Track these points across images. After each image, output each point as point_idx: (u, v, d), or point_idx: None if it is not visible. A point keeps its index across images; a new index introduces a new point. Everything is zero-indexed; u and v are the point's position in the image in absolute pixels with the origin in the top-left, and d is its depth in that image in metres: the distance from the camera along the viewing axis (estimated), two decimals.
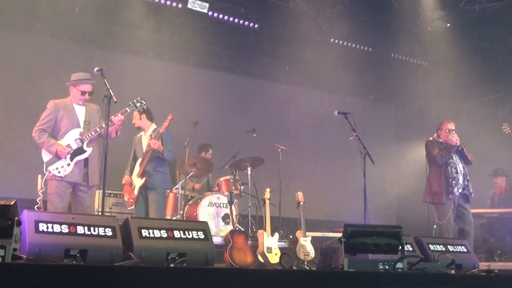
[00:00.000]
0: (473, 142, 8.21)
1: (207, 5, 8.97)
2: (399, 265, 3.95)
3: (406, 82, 11.01)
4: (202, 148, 8.51)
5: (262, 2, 9.40)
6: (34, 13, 8.21)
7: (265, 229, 6.60)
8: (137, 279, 2.84)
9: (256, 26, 9.58)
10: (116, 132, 5.66)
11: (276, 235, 6.65)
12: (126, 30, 8.93)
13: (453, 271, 4.40)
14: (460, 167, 6.64)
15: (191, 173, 7.66)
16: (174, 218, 7.19)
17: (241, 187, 7.74)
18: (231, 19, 9.39)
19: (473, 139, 8.54)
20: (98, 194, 6.56)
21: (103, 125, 5.44)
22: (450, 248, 5.15)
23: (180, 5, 8.83)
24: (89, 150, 5.49)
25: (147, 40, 9.12)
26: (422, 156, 6.95)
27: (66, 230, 3.77)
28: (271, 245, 6.49)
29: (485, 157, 8.70)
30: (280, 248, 6.65)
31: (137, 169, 6.52)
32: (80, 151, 5.46)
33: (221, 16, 9.29)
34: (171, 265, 3.97)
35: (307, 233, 6.64)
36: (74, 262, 3.67)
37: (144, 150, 6.60)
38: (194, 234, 4.32)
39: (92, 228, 3.89)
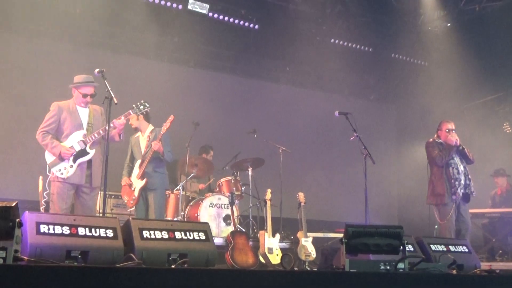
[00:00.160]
0: (474, 142, 8.22)
1: (207, 6, 8.97)
2: (401, 265, 3.95)
3: (406, 82, 11.03)
4: (203, 149, 8.52)
5: (262, 3, 9.41)
6: (36, 15, 8.23)
7: (266, 230, 6.59)
8: (138, 280, 2.84)
9: (256, 27, 9.58)
10: (119, 136, 5.67)
11: (277, 235, 6.65)
12: (127, 32, 8.95)
13: (454, 271, 4.39)
14: (461, 167, 6.62)
15: (192, 174, 7.66)
16: (175, 219, 7.19)
17: (242, 188, 7.73)
18: (231, 20, 9.39)
19: (474, 139, 8.55)
20: (99, 195, 6.56)
21: (107, 128, 5.45)
22: (452, 248, 5.15)
23: (180, 6, 8.83)
24: (92, 152, 5.50)
25: (148, 42, 9.13)
26: (423, 156, 6.94)
27: (67, 232, 3.78)
28: (272, 246, 6.49)
29: (486, 157, 8.70)
30: (281, 249, 6.64)
31: (136, 170, 6.51)
32: (83, 153, 5.47)
33: (221, 17, 9.29)
34: (172, 266, 3.97)
35: (308, 234, 6.64)
36: (75, 263, 3.68)
37: (142, 151, 6.59)
38: (195, 235, 4.32)
39: (93, 230, 3.89)
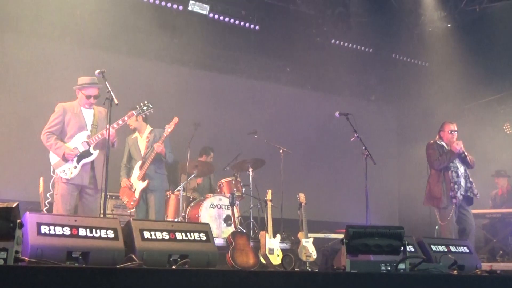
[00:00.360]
0: (475, 143, 8.21)
1: (207, 7, 8.97)
2: (401, 266, 3.94)
3: (407, 83, 11.03)
4: (203, 151, 8.52)
5: (262, 3, 9.41)
6: (38, 16, 8.24)
7: (267, 231, 6.59)
8: (139, 281, 2.84)
9: (257, 27, 9.59)
10: (113, 144, 5.58)
11: (278, 236, 6.64)
12: (128, 33, 8.94)
13: (455, 272, 4.39)
14: (461, 169, 6.61)
15: (193, 175, 7.66)
16: (176, 220, 7.19)
17: (243, 189, 7.73)
18: (232, 20, 9.39)
19: (475, 139, 8.54)
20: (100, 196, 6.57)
21: (113, 126, 5.47)
22: (452, 248, 5.14)
23: (180, 7, 8.84)
24: (95, 153, 5.51)
25: (148, 43, 9.13)
26: (424, 156, 6.93)
27: (68, 232, 3.78)
28: (273, 247, 6.48)
29: (487, 158, 8.70)
30: (282, 250, 6.64)
31: (137, 172, 6.51)
32: (86, 153, 5.48)
33: (222, 18, 9.29)
34: (173, 267, 3.96)
35: (309, 235, 6.63)
36: (76, 264, 3.68)
37: (142, 153, 6.59)
38: (196, 235, 4.32)
39: (94, 230, 3.89)
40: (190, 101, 9.23)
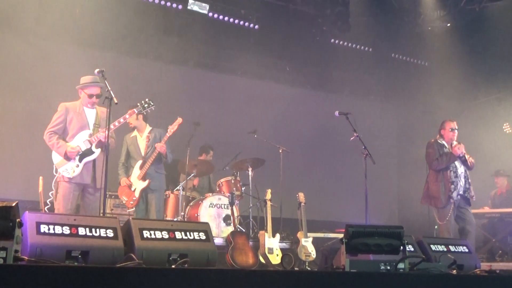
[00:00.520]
0: (474, 142, 8.20)
1: (207, 6, 8.97)
2: (401, 265, 3.95)
3: (406, 82, 11.03)
4: (203, 149, 8.51)
5: (262, 3, 9.41)
6: (38, 16, 8.24)
7: (266, 230, 6.59)
8: (138, 280, 2.84)
9: (256, 27, 9.58)
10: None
11: (278, 236, 6.64)
12: (128, 32, 8.93)
13: (454, 272, 4.39)
14: (460, 170, 6.61)
15: (192, 174, 7.66)
16: (175, 219, 7.19)
17: (242, 188, 7.73)
18: (231, 20, 9.39)
19: (475, 139, 8.54)
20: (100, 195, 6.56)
21: (114, 124, 5.49)
22: (452, 248, 5.14)
23: (180, 6, 8.83)
24: (97, 152, 5.51)
25: (148, 42, 9.13)
26: (423, 156, 6.94)
27: (68, 232, 3.78)
28: (272, 246, 6.48)
29: (486, 157, 8.70)
30: (282, 249, 6.64)
31: (137, 171, 6.51)
32: (88, 152, 5.49)
33: (221, 17, 9.29)
34: (173, 266, 3.97)
35: (308, 234, 6.63)
36: (75, 263, 3.68)
37: (142, 152, 6.59)
38: (195, 235, 4.32)
39: (93, 230, 3.89)
40: (190, 101, 9.24)
